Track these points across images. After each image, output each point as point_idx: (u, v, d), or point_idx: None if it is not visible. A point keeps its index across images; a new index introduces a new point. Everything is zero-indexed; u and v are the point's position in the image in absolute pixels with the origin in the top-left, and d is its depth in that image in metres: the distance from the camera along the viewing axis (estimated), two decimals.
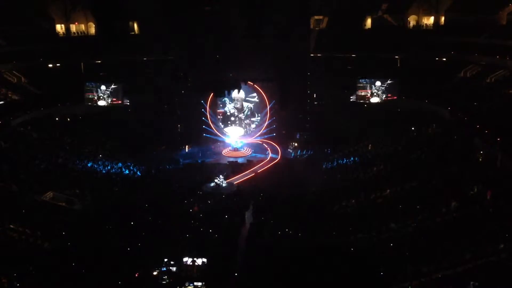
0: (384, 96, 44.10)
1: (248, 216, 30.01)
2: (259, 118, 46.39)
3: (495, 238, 20.87)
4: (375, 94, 44.29)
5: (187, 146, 46.18)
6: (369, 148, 39.50)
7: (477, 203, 24.66)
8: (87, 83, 46.33)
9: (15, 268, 21.26)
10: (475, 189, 25.77)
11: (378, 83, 44.20)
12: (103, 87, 45.92)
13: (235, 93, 45.78)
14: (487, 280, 18.66)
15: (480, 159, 30.11)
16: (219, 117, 47.27)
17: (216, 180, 35.90)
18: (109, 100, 45.79)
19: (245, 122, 47.16)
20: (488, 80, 41.39)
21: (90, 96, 45.98)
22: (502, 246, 20.09)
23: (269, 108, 45.21)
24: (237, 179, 37.65)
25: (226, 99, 46.55)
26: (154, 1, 47.36)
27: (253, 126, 46.87)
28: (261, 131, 45.88)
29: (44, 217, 27.40)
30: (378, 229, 25.16)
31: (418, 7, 50.55)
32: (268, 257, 22.62)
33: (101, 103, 45.90)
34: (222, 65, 43.54)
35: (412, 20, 51.24)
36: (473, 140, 31.88)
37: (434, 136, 37.05)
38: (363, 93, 44.88)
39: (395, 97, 43.85)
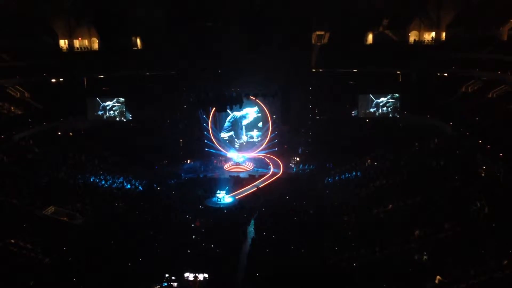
0: (385, 111, 44.20)
1: (249, 231, 29.86)
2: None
3: (498, 254, 20.70)
4: (376, 109, 44.41)
5: (189, 161, 46.19)
6: (368, 162, 39.40)
7: (479, 218, 24.54)
8: (89, 98, 46.69)
9: (15, 284, 21.12)
10: (478, 205, 25.63)
11: (379, 99, 44.44)
12: (105, 102, 46.32)
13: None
14: None
15: (483, 174, 30.02)
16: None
17: (218, 195, 35.83)
18: (112, 115, 46.03)
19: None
20: (489, 96, 41.44)
21: (92, 111, 46.30)
22: (505, 262, 19.94)
23: (271, 123, 45.27)
24: (239, 193, 37.56)
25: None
26: (157, 17, 47.82)
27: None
28: (263, 146, 45.85)
29: (45, 232, 27.28)
30: (380, 245, 25.00)
31: (419, 23, 50.78)
32: (269, 272, 22.53)
33: (104, 118, 46.17)
34: (224, 80, 43.76)
35: (413, 36, 51.46)
36: (475, 155, 31.79)
37: (436, 151, 36.96)
38: (364, 108, 45.03)
39: (396, 113, 44.02)
